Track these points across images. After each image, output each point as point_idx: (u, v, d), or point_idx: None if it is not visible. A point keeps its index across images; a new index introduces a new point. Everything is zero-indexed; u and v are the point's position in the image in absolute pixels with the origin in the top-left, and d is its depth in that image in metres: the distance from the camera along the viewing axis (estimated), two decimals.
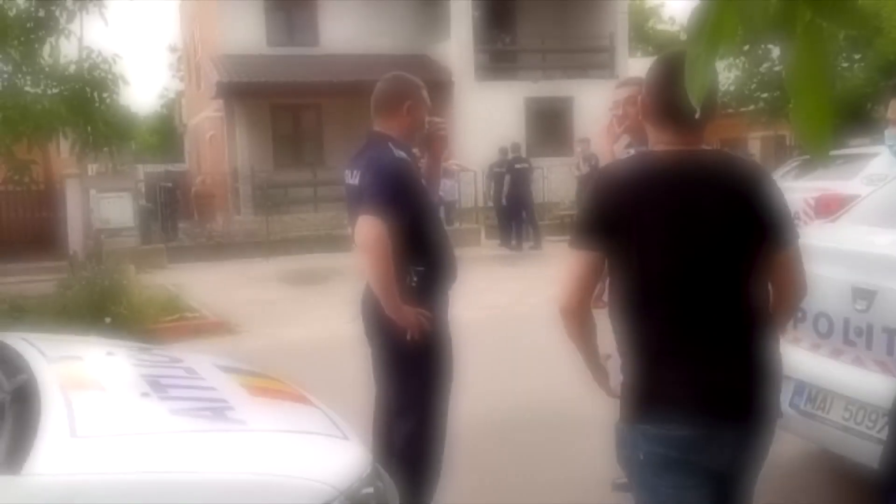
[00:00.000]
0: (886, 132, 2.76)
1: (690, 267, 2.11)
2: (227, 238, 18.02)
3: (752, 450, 2.13)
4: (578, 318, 2.25)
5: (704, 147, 2.22)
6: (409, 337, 3.22)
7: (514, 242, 16.07)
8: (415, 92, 3.37)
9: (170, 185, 18.92)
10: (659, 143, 2.20)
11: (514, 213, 16.27)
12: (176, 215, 18.23)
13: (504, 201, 16.35)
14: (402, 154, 3.24)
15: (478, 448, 3.61)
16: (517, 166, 16.14)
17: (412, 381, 3.36)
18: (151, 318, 8.96)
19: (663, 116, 2.16)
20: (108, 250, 12.80)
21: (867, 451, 3.31)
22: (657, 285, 2.11)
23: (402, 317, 3.20)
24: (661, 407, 2.08)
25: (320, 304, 10.57)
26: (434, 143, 3.54)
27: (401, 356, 3.34)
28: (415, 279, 3.21)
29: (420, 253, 3.25)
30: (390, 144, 3.25)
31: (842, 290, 3.52)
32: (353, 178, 3.30)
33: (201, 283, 12.67)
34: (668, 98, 2.11)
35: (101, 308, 8.45)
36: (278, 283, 12.96)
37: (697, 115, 2.06)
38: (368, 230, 3.09)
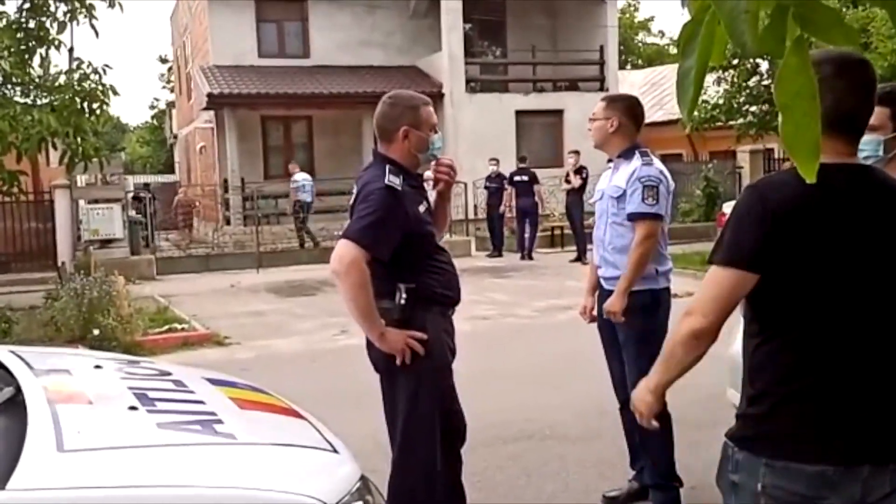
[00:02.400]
0: (863, 138, 2.74)
1: (867, 296, 1.96)
2: (217, 249, 17.97)
3: (885, 487, 1.97)
4: (710, 343, 2.02)
5: (861, 161, 2.07)
6: (398, 362, 3.15)
7: (524, 253, 16.25)
8: (411, 115, 3.26)
9: (149, 195, 18.82)
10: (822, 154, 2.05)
11: (519, 224, 16.45)
12: (153, 226, 18.09)
13: (509, 212, 16.68)
14: (395, 180, 3.13)
15: (466, 461, 3.59)
16: (516, 178, 16.23)
17: (395, 407, 3.27)
18: (140, 329, 8.92)
19: (832, 127, 1.87)
20: (97, 261, 12.74)
21: None
22: (825, 314, 1.95)
23: (385, 342, 3.12)
24: (799, 441, 1.95)
25: (309, 316, 10.55)
26: (438, 183, 3.47)
27: (390, 382, 3.28)
28: (404, 296, 3.13)
29: (409, 272, 3.17)
30: (387, 168, 3.17)
31: None
32: (353, 195, 3.30)
33: (190, 295, 12.63)
34: (840, 105, 1.92)
35: (89, 319, 8.42)
36: (267, 294, 12.93)
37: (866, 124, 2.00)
38: (343, 254, 3.02)
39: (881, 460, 1.95)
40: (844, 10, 14.20)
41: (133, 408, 2.38)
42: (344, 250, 3.03)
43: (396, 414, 3.26)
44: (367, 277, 3.02)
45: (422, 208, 3.27)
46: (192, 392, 2.70)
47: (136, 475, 2.01)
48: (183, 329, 9.45)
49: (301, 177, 18.11)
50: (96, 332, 8.26)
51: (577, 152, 15.49)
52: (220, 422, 2.39)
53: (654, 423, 2.26)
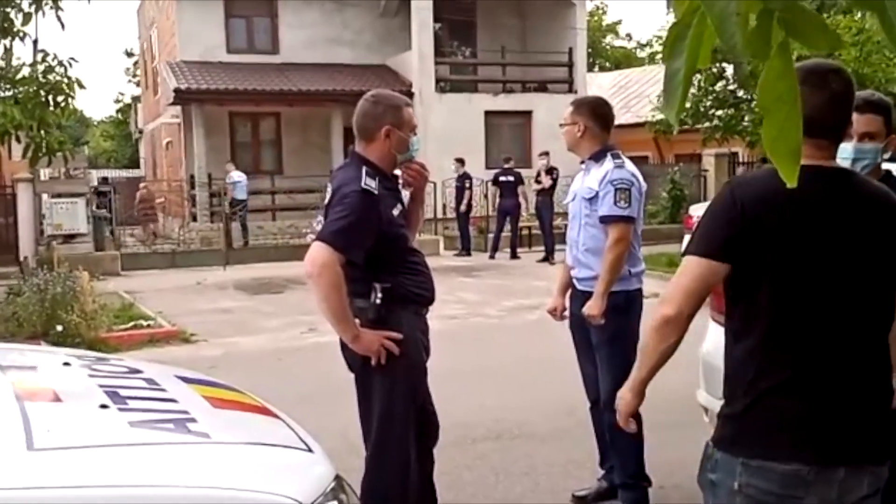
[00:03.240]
0: (863, 146, 2.78)
1: (838, 295, 1.99)
2: (183, 245, 17.77)
3: (861, 490, 2.00)
4: (682, 331, 2.06)
5: (837, 165, 2.11)
6: (373, 363, 3.14)
7: (493, 253, 16.37)
8: (394, 115, 3.25)
9: (107, 189, 18.56)
10: None
11: (498, 223, 16.58)
12: (116, 221, 17.81)
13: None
14: (371, 183, 3.10)
15: (435, 461, 3.58)
16: (502, 179, 16.36)
17: (370, 406, 3.26)
18: (104, 326, 8.79)
19: (806, 128, 2.00)
20: (60, 256, 12.53)
21: None
22: (796, 312, 1.98)
23: (360, 344, 3.10)
24: (773, 440, 1.98)
25: (277, 314, 10.47)
26: (410, 186, 3.46)
27: (365, 381, 3.27)
28: (380, 296, 3.12)
29: (384, 272, 3.16)
30: (364, 170, 3.14)
31: None
32: (328, 194, 3.26)
33: (156, 291, 12.48)
34: (811, 112, 1.88)
35: (53, 315, 8.27)
36: (235, 291, 12.82)
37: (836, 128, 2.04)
38: (316, 256, 3.00)
39: (857, 461, 1.98)
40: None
41: (104, 406, 2.34)
42: (318, 253, 3.01)
43: (371, 413, 3.24)
44: (340, 280, 3.00)
45: (396, 211, 3.26)
46: (163, 390, 2.66)
47: (109, 475, 1.97)
48: (149, 326, 9.34)
49: (237, 175, 18.37)
50: (59, 328, 8.13)
51: (547, 153, 15.59)
52: (193, 420, 2.35)
53: (633, 426, 2.29)
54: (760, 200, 1.98)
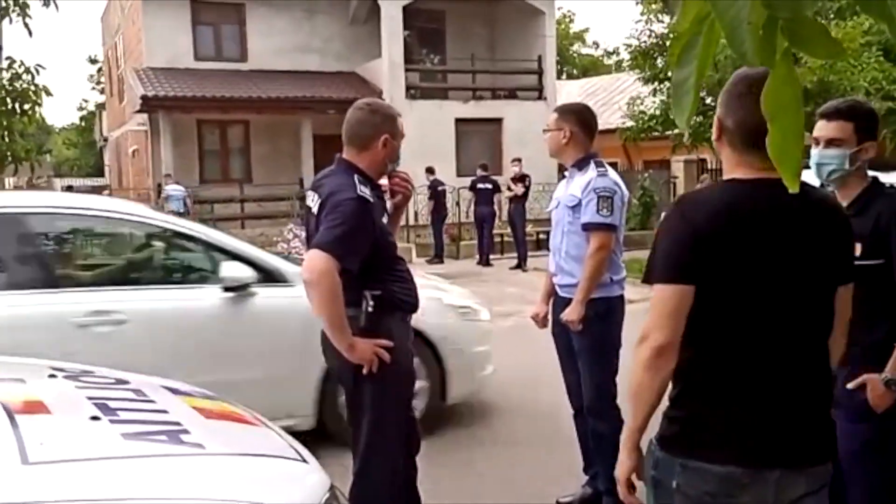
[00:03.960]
0: (831, 153, 2.85)
1: (783, 301, 2.03)
2: None
3: (798, 490, 2.04)
4: (675, 359, 2.03)
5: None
6: (365, 371, 3.13)
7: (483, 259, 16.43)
8: (391, 125, 3.28)
9: None
10: (736, 169, 2.08)
11: (479, 231, 16.70)
12: None
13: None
14: (366, 191, 3.11)
15: (419, 468, 3.58)
16: (479, 186, 16.46)
17: (359, 415, 3.25)
18: None
19: (749, 142, 2.01)
20: None
21: None
22: (742, 319, 2.02)
23: (355, 353, 3.10)
24: (710, 443, 2.02)
25: None
26: (395, 195, 3.47)
27: (354, 390, 3.26)
28: (371, 303, 3.12)
29: (374, 280, 3.16)
30: (356, 178, 3.14)
31: None
32: (312, 201, 3.24)
33: None
34: (761, 122, 1.91)
35: None
36: None
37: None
38: (315, 264, 2.99)
39: (793, 464, 2.03)
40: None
41: (95, 418, 2.30)
42: (316, 260, 2.99)
43: (361, 421, 3.23)
44: (338, 288, 2.99)
45: (385, 219, 3.28)
46: (152, 401, 2.62)
47: (105, 488, 1.94)
48: None
49: (172, 188, 18.43)
50: None
51: (519, 160, 15.66)
52: (186, 432, 2.32)
53: (633, 498, 2.20)
54: (711, 217, 2.01)
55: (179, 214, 18.04)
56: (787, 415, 2.03)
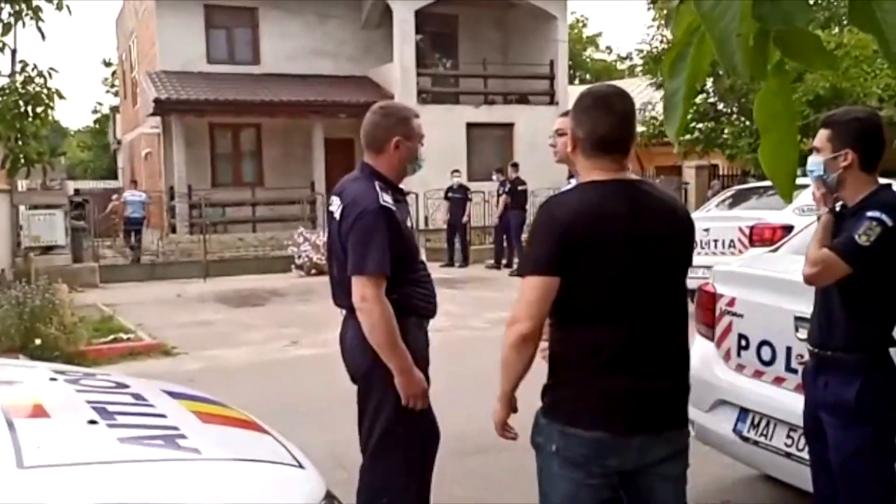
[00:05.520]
0: (809, 159, 2.94)
1: (640, 287, 2.31)
2: (163, 257, 17.64)
3: (660, 452, 2.35)
4: (537, 344, 2.34)
5: (632, 175, 2.44)
6: (404, 403, 3.14)
7: (457, 264, 16.90)
8: (404, 126, 3.27)
9: (84, 200, 18.51)
10: (592, 172, 2.38)
11: (449, 237, 17.26)
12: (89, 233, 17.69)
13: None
14: (388, 200, 3.13)
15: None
16: (450, 195, 16.96)
17: (369, 417, 3.27)
18: (84, 339, 8.70)
19: (598, 149, 2.35)
20: (38, 268, 12.40)
21: (809, 477, 3.38)
22: (605, 304, 2.30)
23: (407, 378, 3.11)
24: (588, 412, 2.31)
25: (259, 327, 10.42)
26: None
27: (368, 392, 3.26)
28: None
29: (392, 283, 3.14)
30: (377, 185, 3.15)
31: (784, 319, 3.61)
32: (335, 206, 3.25)
33: (135, 304, 12.38)
34: (600, 131, 2.33)
35: (31, 328, 8.17)
36: (215, 304, 12.74)
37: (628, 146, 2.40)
38: (362, 292, 3.04)
39: (655, 430, 2.34)
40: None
41: (93, 422, 2.31)
42: (359, 288, 3.05)
43: (374, 424, 3.24)
44: (388, 310, 3.04)
45: (409, 222, 3.30)
46: (151, 405, 2.63)
47: (100, 492, 1.94)
48: (128, 339, 9.26)
49: (129, 194, 19.10)
50: (38, 341, 8.03)
51: (500, 170, 16.50)
52: (183, 436, 2.33)
53: (510, 434, 2.55)
54: (575, 215, 2.28)
55: (138, 220, 18.65)
56: (646, 386, 2.31)
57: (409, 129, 3.27)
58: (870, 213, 2.75)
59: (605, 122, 2.33)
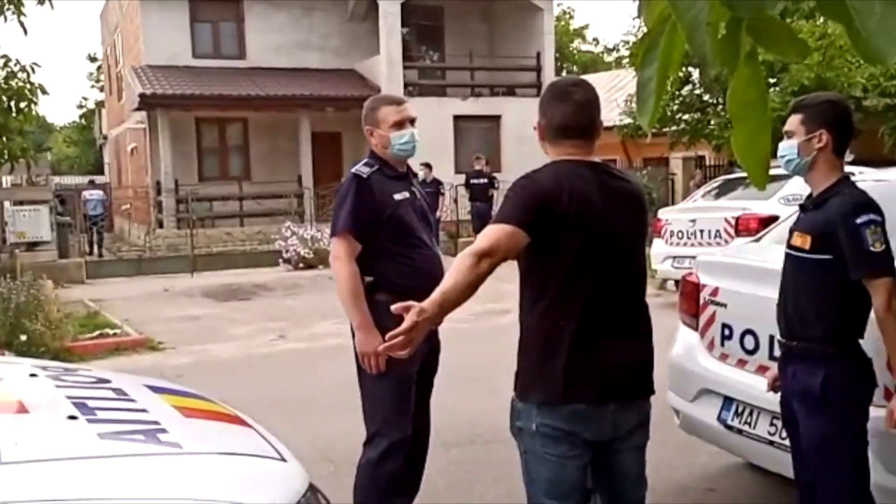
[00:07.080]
0: (782, 144, 2.96)
1: (608, 261, 2.44)
2: (149, 252, 17.57)
3: (631, 422, 2.50)
4: (490, 270, 2.34)
5: (595, 159, 2.56)
6: (360, 361, 3.36)
7: None
8: (370, 117, 3.52)
9: (69, 195, 18.55)
10: (562, 156, 2.53)
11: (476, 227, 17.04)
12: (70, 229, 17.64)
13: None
14: (363, 169, 3.42)
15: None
16: (473, 182, 17.15)
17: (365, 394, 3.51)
18: (69, 335, 8.65)
19: (559, 136, 2.53)
20: (24, 264, 12.33)
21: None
22: (577, 278, 2.41)
23: (362, 340, 3.30)
24: (561, 386, 2.40)
25: (246, 321, 10.39)
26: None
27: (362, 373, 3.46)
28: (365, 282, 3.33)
29: (370, 261, 3.35)
30: (366, 159, 3.51)
31: (767, 308, 3.62)
32: None
33: (122, 299, 12.32)
34: (559, 119, 2.51)
35: (17, 324, 8.13)
36: (202, 298, 12.69)
37: (590, 134, 2.54)
38: (332, 249, 3.36)
39: (626, 398, 2.48)
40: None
41: (72, 417, 2.30)
42: (334, 247, 3.36)
43: (366, 398, 3.49)
44: (349, 269, 3.29)
45: (399, 196, 3.43)
46: (133, 400, 2.62)
47: (79, 488, 1.94)
48: (115, 334, 9.21)
49: (88, 192, 19.53)
50: (24, 337, 7.98)
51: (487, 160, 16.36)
52: (164, 431, 2.32)
53: (402, 354, 2.33)
54: (550, 188, 2.41)
55: (98, 217, 19.01)
56: (615, 357, 2.44)
57: (374, 120, 3.52)
58: (857, 221, 2.74)
59: (564, 112, 2.50)
